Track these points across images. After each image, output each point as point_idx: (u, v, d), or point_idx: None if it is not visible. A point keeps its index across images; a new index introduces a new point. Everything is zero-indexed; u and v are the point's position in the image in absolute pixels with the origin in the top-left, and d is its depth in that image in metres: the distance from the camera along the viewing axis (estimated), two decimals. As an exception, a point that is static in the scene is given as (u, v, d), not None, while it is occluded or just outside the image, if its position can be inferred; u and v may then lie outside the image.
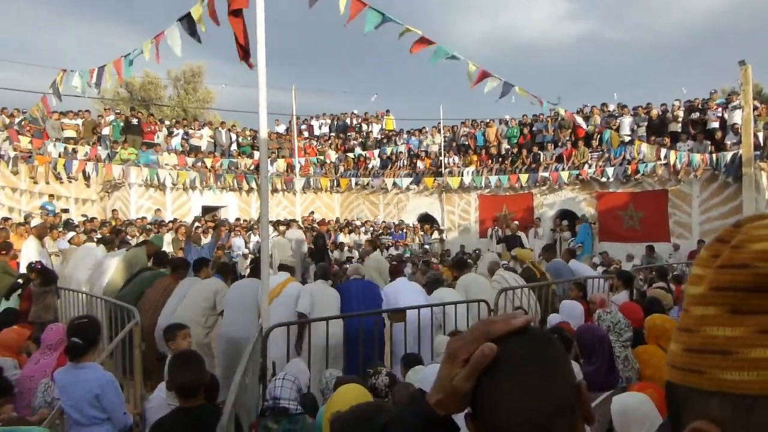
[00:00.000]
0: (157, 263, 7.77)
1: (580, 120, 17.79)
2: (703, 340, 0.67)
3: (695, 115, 17.60)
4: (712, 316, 0.66)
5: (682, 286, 8.09)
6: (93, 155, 17.54)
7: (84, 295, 7.59)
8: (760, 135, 15.59)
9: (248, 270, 10.97)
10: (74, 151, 17.40)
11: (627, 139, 17.81)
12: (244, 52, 4.94)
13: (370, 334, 5.67)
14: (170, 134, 20.67)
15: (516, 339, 0.94)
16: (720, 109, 17.06)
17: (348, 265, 12.08)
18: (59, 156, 16.90)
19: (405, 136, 24.21)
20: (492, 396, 0.92)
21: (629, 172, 17.22)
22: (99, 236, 10.74)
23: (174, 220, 16.83)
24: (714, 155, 15.96)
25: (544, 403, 0.89)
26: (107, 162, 17.56)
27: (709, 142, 16.56)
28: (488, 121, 22.30)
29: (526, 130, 20.90)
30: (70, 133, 18.25)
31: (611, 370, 3.82)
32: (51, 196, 16.36)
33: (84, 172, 17.24)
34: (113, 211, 16.96)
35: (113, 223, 15.22)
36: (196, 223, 13.22)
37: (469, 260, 10.53)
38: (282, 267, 6.77)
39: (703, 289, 0.68)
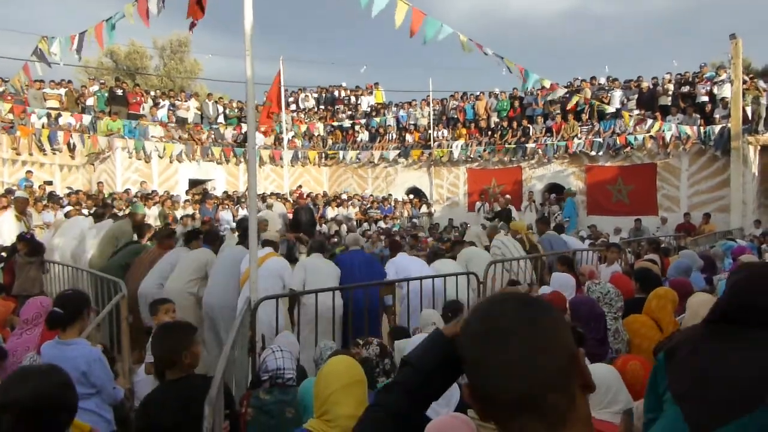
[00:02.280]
0: (140, 235, 7.68)
1: (561, 92, 17.75)
2: None
3: (685, 89, 17.58)
4: None
5: (669, 258, 8.14)
6: (77, 126, 17.25)
7: (70, 267, 7.50)
8: (748, 109, 15.62)
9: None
10: (57, 120, 17.10)
11: (610, 110, 17.81)
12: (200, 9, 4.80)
13: (364, 307, 5.63)
14: (156, 105, 20.36)
15: (513, 305, 0.93)
16: (709, 83, 17.05)
17: (335, 239, 12.01)
18: (42, 127, 16.60)
19: (394, 109, 24.02)
20: (482, 365, 0.92)
21: (618, 144, 17.23)
22: (89, 211, 10.57)
23: (155, 191, 16.70)
24: (703, 129, 15.99)
25: (534, 375, 0.88)
26: (92, 133, 17.29)
27: (698, 116, 16.58)
28: (478, 94, 22.14)
29: (516, 104, 20.79)
30: (52, 103, 17.90)
31: (603, 343, 3.83)
32: (29, 171, 16.00)
33: (69, 143, 16.97)
34: (99, 183, 16.76)
35: (99, 196, 15.04)
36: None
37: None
38: (266, 242, 6.41)
39: None
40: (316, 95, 26.41)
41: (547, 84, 11.96)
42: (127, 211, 11.61)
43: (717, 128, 15.70)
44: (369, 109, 24.61)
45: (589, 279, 4.88)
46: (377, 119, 23.32)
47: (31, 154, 16.56)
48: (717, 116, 16.26)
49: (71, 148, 17.29)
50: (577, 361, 0.92)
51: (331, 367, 2.44)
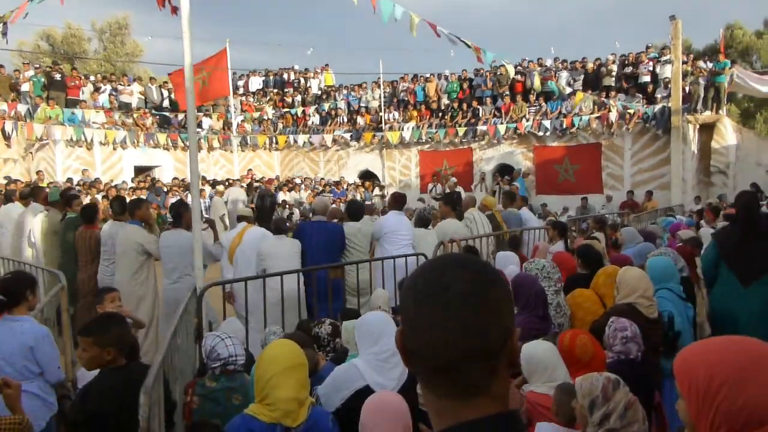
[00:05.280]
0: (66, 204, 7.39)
1: (518, 76, 18.02)
2: None
3: (628, 70, 18.03)
4: None
5: (617, 233, 8.38)
6: (12, 113, 16.50)
7: (10, 261, 7.24)
8: (689, 89, 16.15)
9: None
10: (-10, 108, 16.32)
11: (568, 91, 18.13)
12: None
13: (323, 287, 5.56)
14: (97, 90, 19.62)
15: (465, 274, 0.91)
16: (651, 63, 17.53)
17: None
18: (-26, 114, 15.83)
19: (344, 91, 23.84)
20: (415, 327, 0.92)
21: (565, 125, 17.58)
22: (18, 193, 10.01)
23: (98, 179, 16.18)
24: (647, 108, 16.47)
25: (462, 349, 0.88)
26: (29, 120, 16.56)
27: (640, 96, 17.04)
28: (428, 76, 22.20)
29: (465, 85, 20.94)
30: (-16, 89, 17.07)
31: (544, 318, 3.91)
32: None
33: (3, 131, 16.22)
34: (38, 172, 16.11)
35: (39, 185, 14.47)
36: None
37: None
38: (240, 218, 6.78)
39: None
40: (264, 78, 25.95)
41: (510, 68, 12.07)
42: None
43: (658, 107, 16.19)
44: (319, 92, 24.36)
45: (532, 257, 4.98)
46: (327, 105, 23.13)
47: (-37, 144, 15.79)
48: (658, 96, 16.76)
49: (6, 137, 16.53)
50: (511, 340, 0.92)
51: (270, 351, 2.43)
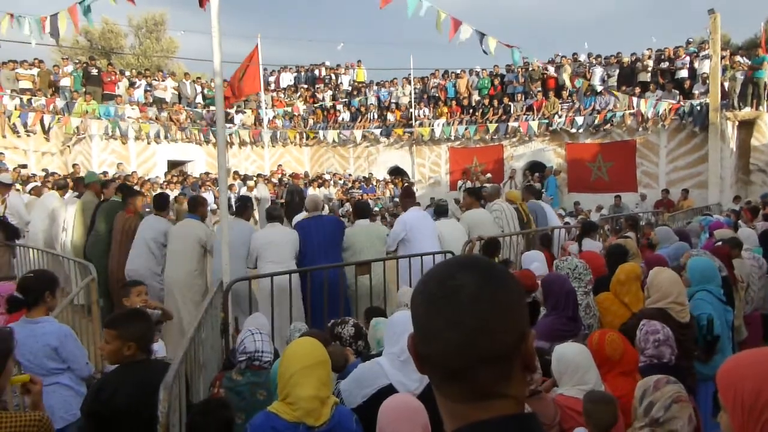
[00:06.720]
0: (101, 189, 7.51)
1: (551, 69, 17.77)
2: None
3: (664, 65, 17.61)
4: None
5: (652, 232, 8.19)
6: (50, 107, 16.92)
7: (46, 252, 7.40)
8: (726, 85, 15.68)
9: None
10: (29, 102, 16.74)
11: (599, 88, 17.79)
12: None
13: (334, 286, 5.51)
14: (132, 85, 19.98)
15: (477, 277, 0.89)
16: (689, 59, 17.09)
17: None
18: (15, 108, 16.25)
19: (375, 87, 23.81)
20: (427, 331, 0.90)
21: (598, 121, 17.23)
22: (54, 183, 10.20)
23: (134, 172, 16.43)
24: (684, 103, 16.05)
25: (474, 353, 0.87)
26: (66, 114, 16.97)
27: (677, 92, 16.62)
28: (459, 72, 22.03)
29: (496, 81, 20.73)
30: (25, 84, 17.50)
31: (574, 319, 3.83)
32: (1, 154, 15.69)
33: (42, 124, 16.64)
34: (74, 165, 16.48)
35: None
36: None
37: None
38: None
39: None
40: (295, 74, 26.06)
41: (534, 60, 11.76)
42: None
43: (696, 104, 15.77)
44: (350, 88, 24.37)
45: (561, 255, 4.88)
46: (358, 99, 23.12)
47: (4, 137, 16.21)
48: (696, 92, 16.32)
49: (45, 131, 16.96)
50: (525, 342, 0.90)
51: (292, 349, 2.42)
